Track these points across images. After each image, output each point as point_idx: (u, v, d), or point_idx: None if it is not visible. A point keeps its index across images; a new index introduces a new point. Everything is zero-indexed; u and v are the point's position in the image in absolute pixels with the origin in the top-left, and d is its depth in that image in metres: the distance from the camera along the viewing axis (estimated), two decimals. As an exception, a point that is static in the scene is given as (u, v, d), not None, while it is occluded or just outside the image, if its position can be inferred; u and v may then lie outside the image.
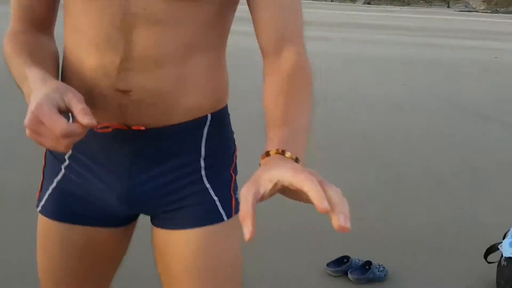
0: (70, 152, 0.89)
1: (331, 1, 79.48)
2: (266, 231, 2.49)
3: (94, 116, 0.72)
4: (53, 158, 0.94)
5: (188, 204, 0.91)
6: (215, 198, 0.92)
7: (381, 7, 63.64)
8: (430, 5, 77.35)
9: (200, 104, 0.90)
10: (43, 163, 0.98)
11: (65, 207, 0.93)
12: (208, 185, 0.92)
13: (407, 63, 8.71)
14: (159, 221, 0.94)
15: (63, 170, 0.92)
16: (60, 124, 0.66)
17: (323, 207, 0.50)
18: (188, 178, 0.91)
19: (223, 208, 0.92)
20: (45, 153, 0.97)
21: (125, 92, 0.83)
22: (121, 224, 0.97)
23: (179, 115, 0.87)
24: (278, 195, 0.58)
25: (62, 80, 0.89)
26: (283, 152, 0.64)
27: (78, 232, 0.93)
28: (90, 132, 0.77)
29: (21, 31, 0.88)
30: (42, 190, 0.96)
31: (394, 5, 75.34)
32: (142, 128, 0.85)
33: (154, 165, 0.89)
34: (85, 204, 0.92)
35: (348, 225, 0.51)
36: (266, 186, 0.57)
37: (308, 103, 0.79)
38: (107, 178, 0.89)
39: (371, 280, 2.18)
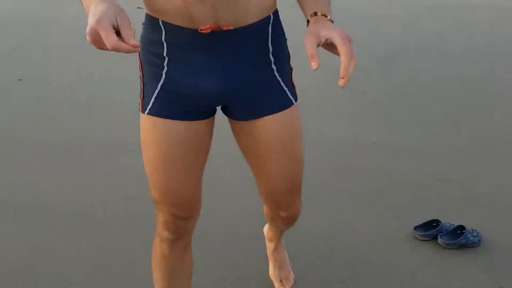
0: (166, 59, 1.10)
1: None
2: (348, 192, 2.39)
3: (194, 20, 1.02)
4: (151, 67, 1.13)
5: (267, 95, 1.17)
6: (285, 88, 1.19)
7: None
8: None
9: (266, 5, 1.11)
10: (141, 74, 1.17)
11: (172, 105, 1.13)
12: (279, 78, 1.18)
13: (491, 8, 7.91)
14: (240, 114, 1.19)
15: (164, 75, 1.11)
16: (112, 40, 0.79)
17: (342, 77, 0.95)
18: (264, 71, 1.16)
19: (291, 95, 1.21)
20: (140, 65, 1.16)
21: None
22: (210, 115, 1.20)
23: (253, 16, 1.08)
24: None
25: None
26: (325, 15, 1.01)
27: (183, 126, 1.14)
28: (185, 36, 1.05)
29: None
30: (145, 97, 1.15)
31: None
32: (230, 27, 1.04)
33: (240, 60, 1.11)
34: (187, 100, 1.12)
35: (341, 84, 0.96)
36: (321, 39, 0.95)
37: None
38: (204, 73, 1.09)
39: (463, 246, 2.01)
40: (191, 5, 1.00)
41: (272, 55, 1.15)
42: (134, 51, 0.82)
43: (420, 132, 2.99)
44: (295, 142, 1.25)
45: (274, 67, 1.16)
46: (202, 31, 1.02)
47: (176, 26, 1.05)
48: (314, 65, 0.91)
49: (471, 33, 5.98)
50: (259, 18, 1.09)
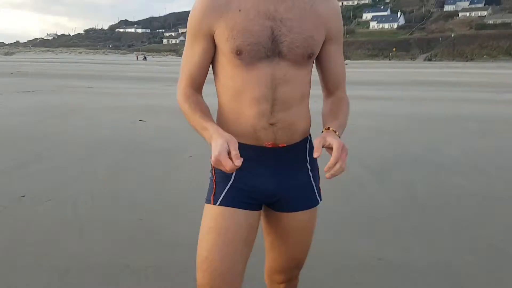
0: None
1: (390, 60, 79.61)
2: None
3: (257, 139, 1.45)
4: (223, 172, 1.42)
5: (303, 194, 1.54)
6: (316, 190, 1.58)
7: (443, 63, 62.77)
8: (495, 59, 75.17)
9: (305, 128, 1.54)
10: (213, 176, 1.52)
11: (237, 198, 1.47)
12: (313, 182, 1.57)
13: (482, 121, 8.29)
14: (283, 207, 1.53)
15: (233, 178, 1.48)
16: (228, 164, 1.23)
17: (325, 170, 1.28)
18: (303, 177, 1.55)
19: (318, 196, 1.59)
20: (214, 169, 1.51)
21: (273, 124, 1.44)
22: (260, 208, 1.53)
23: (298, 136, 1.51)
24: None
25: (218, 124, 1.45)
26: (335, 131, 1.40)
27: (244, 214, 1.47)
28: (251, 150, 1.45)
29: (191, 94, 1.48)
30: (216, 193, 1.49)
31: (456, 61, 74.07)
32: (284, 145, 1.48)
33: (288, 168, 1.51)
34: (249, 195, 1.48)
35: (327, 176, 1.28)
36: (326, 142, 1.31)
37: (346, 113, 1.53)
38: (263, 177, 1.49)
39: None
40: (259, 131, 1.44)
41: (309, 164, 1.56)
42: (237, 167, 1.24)
43: (426, 248, 2.98)
44: (312, 232, 1.61)
45: (310, 174, 1.56)
46: (267, 146, 1.46)
47: (245, 144, 1.44)
48: (316, 154, 1.28)
49: (461, 144, 6.22)
50: (302, 138, 1.53)
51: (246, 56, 1.36)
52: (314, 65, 1.55)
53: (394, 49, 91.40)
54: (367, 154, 5.44)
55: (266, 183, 1.48)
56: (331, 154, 1.29)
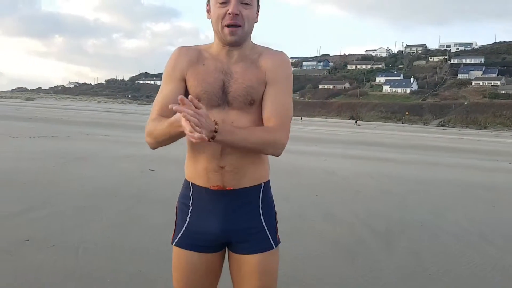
0: (191, 207, 1.70)
1: (402, 124, 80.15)
2: None
3: (208, 181, 1.66)
4: (181, 213, 1.73)
5: (254, 238, 1.67)
6: (269, 235, 1.70)
7: (456, 130, 62.92)
8: (509, 128, 75.21)
9: (257, 175, 1.71)
10: (175, 217, 1.75)
11: (192, 241, 1.68)
12: (265, 226, 1.70)
13: (491, 189, 8.21)
14: (236, 249, 1.69)
15: (188, 220, 1.70)
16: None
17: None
18: (253, 221, 1.69)
19: (272, 241, 1.70)
20: (176, 211, 1.75)
21: (223, 167, 1.63)
22: (220, 249, 1.71)
23: (247, 181, 1.67)
24: None
25: (188, 167, 1.75)
26: (216, 123, 1.49)
27: (201, 257, 1.68)
28: (204, 193, 1.67)
29: (158, 117, 1.64)
30: (175, 233, 1.72)
31: (470, 128, 74.28)
32: (230, 188, 1.65)
33: (236, 211, 1.67)
34: (203, 238, 1.67)
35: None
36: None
37: (256, 131, 1.62)
38: (213, 219, 1.67)
39: None
40: (210, 173, 1.62)
41: (262, 209, 1.70)
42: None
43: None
44: (270, 277, 1.69)
45: (262, 218, 1.70)
46: (212, 189, 1.65)
47: (198, 186, 1.68)
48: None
49: (469, 212, 6.13)
50: (252, 184, 1.69)
51: (203, 103, 1.58)
52: None
53: (407, 113, 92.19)
54: (373, 215, 5.40)
55: (213, 225, 1.66)
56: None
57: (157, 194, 5.91)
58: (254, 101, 1.66)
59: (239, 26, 1.60)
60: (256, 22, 1.68)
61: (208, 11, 1.67)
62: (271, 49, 1.75)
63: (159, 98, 1.69)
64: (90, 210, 4.94)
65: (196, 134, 1.38)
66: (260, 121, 1.67)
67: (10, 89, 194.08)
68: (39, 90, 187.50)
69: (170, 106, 1.41)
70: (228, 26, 1.60)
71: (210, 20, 1.67)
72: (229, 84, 1.63)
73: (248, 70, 1.66)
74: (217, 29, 1.63)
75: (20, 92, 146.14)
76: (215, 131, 1.47)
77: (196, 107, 1.41)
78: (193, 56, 1.69)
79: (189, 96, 1.43)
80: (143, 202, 5.44)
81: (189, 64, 1.68)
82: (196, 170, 1.67)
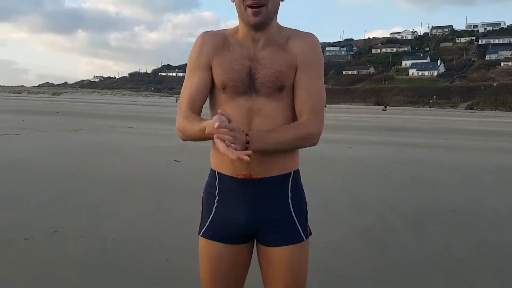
0: (217, 197, 1.64)
1: (430, 108, 78.62)
2: None
3: (234, 170, 1.59)
4: (208, 203, 1.67)
5: (283, 229, 1.59)
6: (299, 226, 1.62)
7: (485, 112, 61.30)
8: (541, 108, 72.78)
9: (286, 163, 1.62)
10: (201, 207, 1.70)
11: (219, 231, 1.62)
12: (295, 217, 1.61)
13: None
14: (264, 241, 1.61)
15: (214, 210, 1.65)
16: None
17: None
18: (282, 211, 1.61)
19: (303, 232, 1.62)
20: (202, 201, 1.70)
21: (248, 155, 1.42)
22: (247, 241, 1.64)
23: (275, 170, 1.59)
24: None
25: (212, 156, 1.68)
26: (247, 134, 1.44)
27: (228, 248, 1.62)
28: (230, 182, 1.60)
29: (190, 114, 1.59)
30: (202, 223, 1.67)
31: (499, 110, 72.26)
32: (257, 176, 1.58)
33: (264, 200, 1.59)
34: (229, 228, 1.61)
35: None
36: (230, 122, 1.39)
37: (289, 131, 1.55)
38: (239, 209, 1.59)
39: None
40: (234, 161, 1.44)
41: (291, 199, 1.62)
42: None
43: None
44: (299, 271, 1.62)
45: (292, 209, 1.62)
46: (238, 177, 1.58)
47: (224, 175, 1.62)
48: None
49: (504, 196, 5.92)
50: (281, 172, 1.61)
51: (229, 90, 1.58)
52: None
53: (434, 96, 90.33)
54: (403, 202, 5.27)
55: (239, 215, 1.59)
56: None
57: (183, 184, 5.91)
58: (284, 87, 1.58)
59: (263, 5, 1.51)
60: (282, 1, 1.58)
61: None
62: (300, 31, 1.65)
63: (186, 90, 1.63)
64: (116, 200, 4.97)
65: (233, 154, 1.29)
66: (289, 107, 1.60)
67: (37, 85, 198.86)
68: (65, 84, 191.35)
69: (207, 131, 1.41)
70: (250, 6, 1.51)
71: (234, 3, 1.58)
72: (256, 70, 1.57)
73: (277, 55, 1.58)
74: (240, 10, 1.55)
75: (47, 87, 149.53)
76: (247, 142, 1.42)
77: (228, 120, 1.35)
78: (219, 42, 1.62)
79: (220, 111, 1.37)
80: (169, 193, 5.45)
81: (215, 50, 1.61)
82: (221, 159, 1.60)
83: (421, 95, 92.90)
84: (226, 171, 1.61)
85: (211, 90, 1.64)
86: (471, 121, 30.62)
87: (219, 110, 1.38)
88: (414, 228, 4.31)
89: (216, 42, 1.62)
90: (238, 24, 1.64)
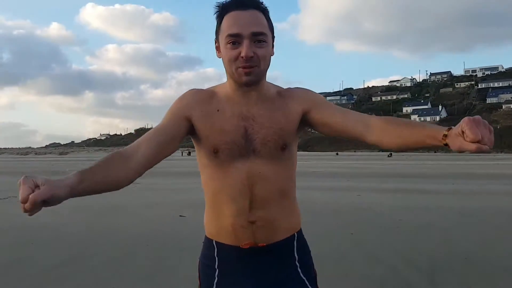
0: (217, 270, 1.49)
1: (435, 152, 78.38)
2: None
3: (237, 239, 1.45)
4: (206, 276, 1.53)
5: None
6: (310, 287, 1.48)
7: (491, 155, 61.02)
8: (547, 150, 72.37)
9: (291, 226, 1.52)
10: (198, 281, 1.58)
11: None
12: (304, 279, 1.49)
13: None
14: None
15: (214, 285, 1.48)
16: (23, 191, 1.13)
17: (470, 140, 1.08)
18: (291, 276, 1.48)
19: None
20: (199, 274, 1.58)
21: (253, 222, 1.43)
22: None
23: (281, 234, 1.48)
24: None
25: (209, 224, 1.55)
26: (449, 129, 1.16)
27: None
28: (232, 252, 1.46)
29: (120, 151, 1.33)
30: None
31: (505, 153, 71.95)
32: (263, 244, 1.45)
33: (272, 268, 1.46)
34: None
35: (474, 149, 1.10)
36: (459, 129, 1.12)
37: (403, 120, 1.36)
38: (246, 281, 1.45)
39: None
40: (238, 230, 1.42)
41: (298, 262, 1.51)
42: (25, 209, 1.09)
43: None
44: None
45: (300, 270, 1.50)
46: (243, 247, 1.44)
47: (225, 244, 1.47)
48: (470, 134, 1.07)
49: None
50: (286, 236, 1.50)
51: (222, 155, 1.42)
52: (332, 132, 1.48)
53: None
54: (415, 252, 5.12)
55: (246, 285, 1.45)
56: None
57: (189, 241, 5.80)
58: (287, 146, 1.45)
59: (255, 66, 1.39)
60: (272, 55, 1.45)
61: (218, 48, 1.45)
62: (290, 88, 1.56)
63: (150, 131, 1.45)
64: (122, 261, 4.86)
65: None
66: (290, 167, 1.49)
67: (44, 145, 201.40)
68: (72, 144, 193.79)
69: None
70: (242, 67, 1.40)
71: (220, 58, 1.45)
72: (254, 130, 1.43)
73: (273, 111, 1.45)
74: (230, 70, 1.42)
75: (54, 148, 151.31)
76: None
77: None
78: (205, 98, 1.48)
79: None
80: (175, 250, 5.34)
81: (200, 105, 1.46)
82: (220, 227, 1.47)
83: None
84: (226, 240, 1.47)
85: (200, 154, 1.51)
86: (478, 165, 30.43)
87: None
88: (429, 279, 4.15)
89: (202, 97, 1.48)
90: (227, 80, 1.50)
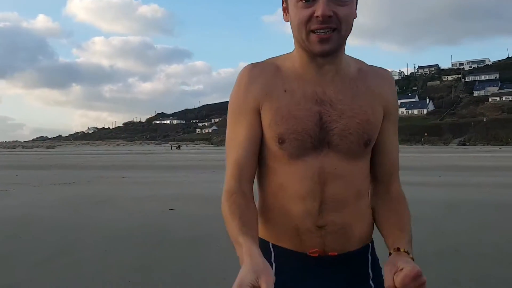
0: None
1: (422, 145, 79.18)
2: None
3: (301, 245, 1.18)
4: None
5: None
6: None
7: (478, 148, 61.74)
8: (532, 142, 73.49)
9: (365, 233, 1.25)
10: None
11: None
12: None
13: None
14: None
15: None
16: None
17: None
18: None
19: None
20: None
21: (321, 227, 1.17)
22: None
23: (354, 243, 1.22)
24: None
25: (263, 224, 1.24)
26: (407, 252, 1.09)
27: None
28: (295, 260, 1.19)
29: (235, 190, 1.16)
30: None
31: (491, 145, 72.86)
32: (335, 253, 1.19)
33: (341, 284, 1.20)
34: None
35: None
36: (397, 268, 1.01)
37: (409, 219, 1.24)
38: None
39: None
40: (304, 234, 1.18)
41: (372, 281, 1.24)
42: None
43: None
44: None
45: None
46: (311, 255, 1.18)
47: (285, 249, 1.21)
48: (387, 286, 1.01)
49: (505, 232, 5.83)
50: (360, 245, 1.24)
51: (289, 146, 1.15)
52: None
53: (425, 134, 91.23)
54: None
55: None
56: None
57: (178, 234, 5.79)
58: (370, 142, 1.20)
59: (334, 29, 1.09)
60: (355, 18, 1.14)
61: (285, 10, 1.17)
62: (367, 63, 1.26)
63: (231, 147, 1.21)
64: (111, 254, 4.83)
65: None
66: (368, 165, 1.25)
67: (31, 139, 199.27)
68: (59, 138, 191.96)
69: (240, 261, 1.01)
70: (316, 31, 1.09)
71: (289, 22, 1.17)
72: (331, 118, 1.15)
73: (357, 96, 1.18)
74: (299, 36, 1.12)
75: (41, 141, 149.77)
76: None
77: None
78: (269, 77, 1.19)
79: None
80: (164, 243, 5.32)
81: (265, 90, 1.18)
82: (280, 229, 1.21)
83: (412, 133, 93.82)
84: (288, 244, 1.21)
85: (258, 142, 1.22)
86: (464, 157, 30.77)
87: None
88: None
89: (267, 78, 1.19)
90: (294, 48, 1.20)
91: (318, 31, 1.08)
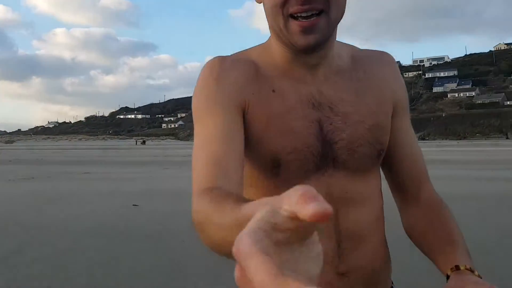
0: None
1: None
2: None
3: None
4: None
5: None
6: None
7: (436, 142, 63.87)
8: (488, 137, 76.60)
9: (389, 274, 0.99)
10: None
11: None
12: None
13: (480, 199, 8.22)
14: None
15: None
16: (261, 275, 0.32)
17: None
18: None
19: None
20: None
21: (344, 274, 0.87)
22: None
23: None
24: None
25: None
26: (471, 270, 0.77)
27: None
28: None
29: (214, 188, 0.73)
30: None
31: (449, 140, 75.48)
32: None
33: None
34: None
35: None
36: None
37: (456, 224, 0.90)
38: None
39: None
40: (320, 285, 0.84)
41: None
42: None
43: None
44: None
45: None
46: None
47: None
48: None
49: (476, 225, 6.09)
50: None
51: (287, 170, 0.85)
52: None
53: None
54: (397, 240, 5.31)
55: None
56: None
57: (142, 230, 5.74)
58: (383, 151, 0.92)
59: (320, 11, 0.79)
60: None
61: None
62: (367, 49, 0.98)
63: (200, 146, 0.81)
64: (74, 251, 4.74)
65: None
66: (380, 184, 0.97)
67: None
68: (18, 132, 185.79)
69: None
70: (297, 16, 0.79)
71: (261, 4, 0.86)
72: (333, 125, 0.86)
73: (360, 92, 0.89)
74: (275, 24, 0.82)
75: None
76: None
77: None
78: (248, 72, 0.87)
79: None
80: (128, 240, 5.26)
81: (248, 87, 0.85)
82: None
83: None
84: None
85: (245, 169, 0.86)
86: (424, 151, 31.71)
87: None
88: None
89: (246, 73, 0.86)
90: (270, 38, 0.90)
91: (299, 14, 0.78)
